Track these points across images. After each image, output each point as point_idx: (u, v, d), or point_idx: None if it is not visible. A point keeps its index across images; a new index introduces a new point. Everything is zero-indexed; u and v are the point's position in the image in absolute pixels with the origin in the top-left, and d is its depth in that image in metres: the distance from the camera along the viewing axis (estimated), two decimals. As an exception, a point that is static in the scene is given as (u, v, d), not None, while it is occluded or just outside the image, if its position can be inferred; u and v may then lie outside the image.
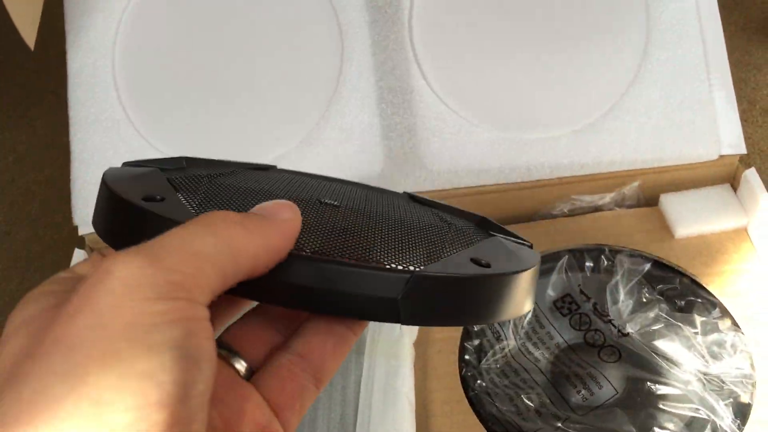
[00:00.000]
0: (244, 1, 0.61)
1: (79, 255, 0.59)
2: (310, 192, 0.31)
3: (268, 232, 0.22)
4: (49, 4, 0.63)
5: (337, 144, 0.58)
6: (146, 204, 0.24)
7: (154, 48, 0.61)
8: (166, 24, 0.61)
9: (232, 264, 0.20)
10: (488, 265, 0.26)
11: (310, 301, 0.23)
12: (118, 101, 0.60)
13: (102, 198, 0.26)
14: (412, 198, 0.37)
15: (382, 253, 0.26)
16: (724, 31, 0.59)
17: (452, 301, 0.24)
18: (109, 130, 0.59)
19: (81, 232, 0.60)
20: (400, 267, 0.25)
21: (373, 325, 0.52)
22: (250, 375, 0.25)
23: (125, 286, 0.18)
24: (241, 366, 0.24)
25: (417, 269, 0.25)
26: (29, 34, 0.54)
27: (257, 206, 0.24)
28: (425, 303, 0.24)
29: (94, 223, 0.26)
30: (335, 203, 0.30)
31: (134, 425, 0.16)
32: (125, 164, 0.30)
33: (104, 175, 0.26)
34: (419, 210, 0.34)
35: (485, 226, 0.34)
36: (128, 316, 0.17)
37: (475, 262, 0.26)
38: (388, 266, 0.25)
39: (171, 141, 0.59)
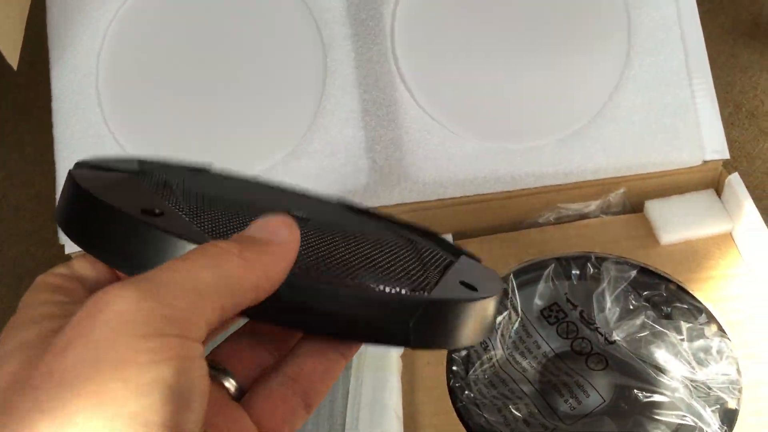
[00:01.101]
0: (227, 16, 0.61)
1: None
2: (279, 202, 0.31)
3: (268, 260, 0.21)
4: (36, 19, 0.63)
5: (323, 157, 0.58)
6: (147, 218, 0.23)
7: (138, 64, 0.61)
8: (149, 40, 0.62)
9: (231, 299, 0.20)
10: (476, 288, 0.27)
11: (311, 323, 0.23)
12: (102, 118, 0.60)
13: (84, 206, 0.24)
14: (350, 208, 0.37)
15: (385, 275, 0.26)
16: (711, 33, 0.60)
17: (456, 325, 0.25)
18: (94, 146, 0.59)
19: (68, 250, 0.60)
20: (407, 291, 0.25)
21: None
22: (240, 395, 0.24)
23: (121, 321, 0.17)
24: (230, 385, 0.24)
25: (424, 294, 0.25)
26: (12, 54, 0.55)
27: (254, 225, 0.23)
28: (434, 327, 0.24)
29: (70, 231, 0.24)
30: (304, 216, 0.29)
31: None
32: (79, 164, 0.28)
33: (76, 178, 0.25)
34: (374, 224, 0.34)
35: (430, 238, 0.34)
36: (122, 353, 0.17)
37: (465, 285, 0.27)
38: (397, 290, 0.25)
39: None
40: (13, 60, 0.54)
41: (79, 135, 0.59)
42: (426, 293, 0.25)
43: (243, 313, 0.21)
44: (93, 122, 0.60)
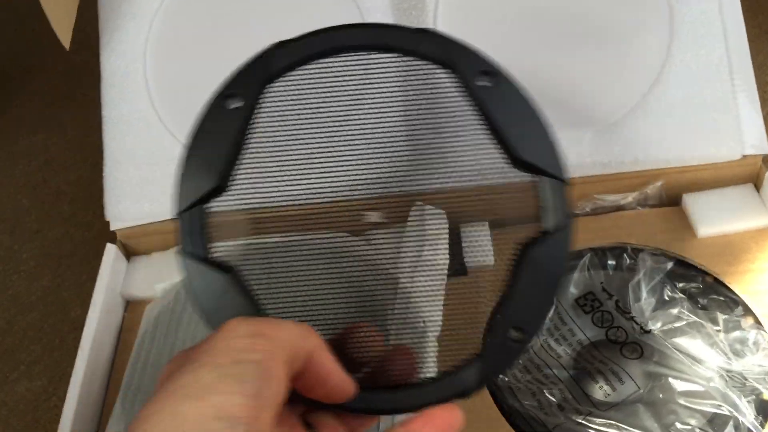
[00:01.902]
0: (270, 5, 0.63)
1: (110, 250, 0.60)
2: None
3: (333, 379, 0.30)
4: (78, 9, 0.65)
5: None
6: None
7: (184, 50, 0.63)
8: (196, 26, 0.63)
9: (301, 350, 0.29)
10: (525, 333, 0.33)
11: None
12: (149, 102, 0.61)
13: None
14: None
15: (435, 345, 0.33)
16: (748, 34, 0.59)
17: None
18: (141, 130, 0.61)
19: (113, 227, 0.61)
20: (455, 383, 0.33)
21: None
22: None
23: (229, 330, 0.27)
24: None
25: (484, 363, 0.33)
26: (65, 35, 0.56)
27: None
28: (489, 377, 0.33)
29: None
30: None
31: (223, 403, 0.25)
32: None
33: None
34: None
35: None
36: (230, 343, 0.27)
37: (516, 330, 0.33)
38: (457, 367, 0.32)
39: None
40: (65, 41, 0.56)
41: (126, 118, 0.61)
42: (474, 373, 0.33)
43: (325, 406, 0.31)
44: (140, 105, 0.61)
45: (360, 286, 0.34)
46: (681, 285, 0.54)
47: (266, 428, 0.26)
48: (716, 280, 0.54)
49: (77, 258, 0.78)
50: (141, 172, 0.60)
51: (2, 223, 0.83)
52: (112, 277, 0.59)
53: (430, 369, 0.34)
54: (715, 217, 0.58)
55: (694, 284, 0.54)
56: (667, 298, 0.53)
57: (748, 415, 0.47)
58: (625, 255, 0.56)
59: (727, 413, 0.48)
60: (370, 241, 0.34)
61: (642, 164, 0.58)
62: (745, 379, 0.49)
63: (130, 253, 0.63)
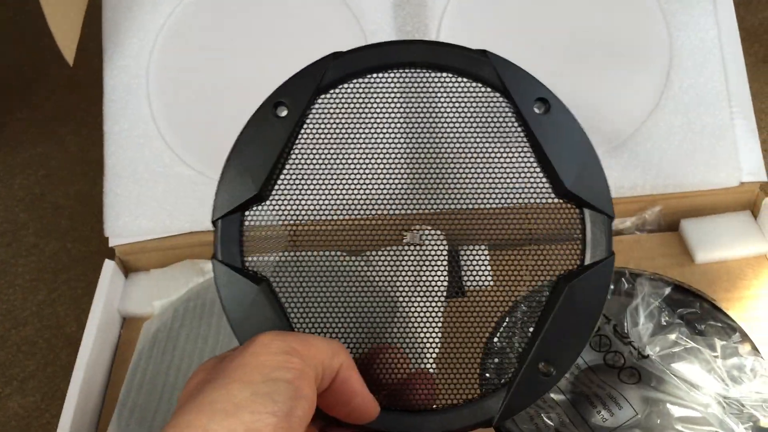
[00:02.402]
0: (275, 23, 0.63)
1: (108, 266, 0.60)
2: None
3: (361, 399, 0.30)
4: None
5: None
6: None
7: (186, 67, 0.63)
8: (198, 44, 0.63)
9: (330, 368, 0.29)
10: (554, 367, 0.32)
11: None
12: (151, 118, 0.61)
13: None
14: None
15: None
16: (746, 61, 0.60)
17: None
18: (142, 145, 0.61)
19: (111, 243, 0.61)
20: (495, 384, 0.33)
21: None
22: None
23: (261, 345, 0.27)
24: None
25: (507, 386, 0.33)
26: (69, 51, 0.56)
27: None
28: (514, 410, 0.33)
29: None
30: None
31: (254, 423, 0.25)
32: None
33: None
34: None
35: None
36: (262, 360, 0.27)
37: (546, 364, 0.32)
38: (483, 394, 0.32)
39: (201, 157, 0.61)
40: (69, 56, 0.56)
41: (127, 132, 0.61)
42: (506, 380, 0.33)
43: (351, 427, 0.31)
44: (141, 121, 0.61)
45: (389, 306, 0.34)
46: (679, 310, 0.54)
47: None
48: (714, 306, 0.54)
49: (74, 273, 0.78)
50: (141, 188, 0.60)
51: (0, 236, 0.83)
52: (110, 293, 0.59)
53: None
54: (712, 244, 0.58)
55: (691, 310, 0.54)
56: (664, 323, 0.53)
57: (745, 442, 0.47)
58: (623, 279, 0.56)
59: (724, 440, 0.48)
60: (403, 262, 0.34)
61: (641, 189, 0.59)
62: (743, 406, 0.49)
63: (128, 269, 0.63)
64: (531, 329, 0.33)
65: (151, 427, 0.49)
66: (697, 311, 0.54)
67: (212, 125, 0.61)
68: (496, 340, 0.36)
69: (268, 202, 0.33)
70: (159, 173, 0.60)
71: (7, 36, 1.09)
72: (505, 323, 0.36)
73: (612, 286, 0.56)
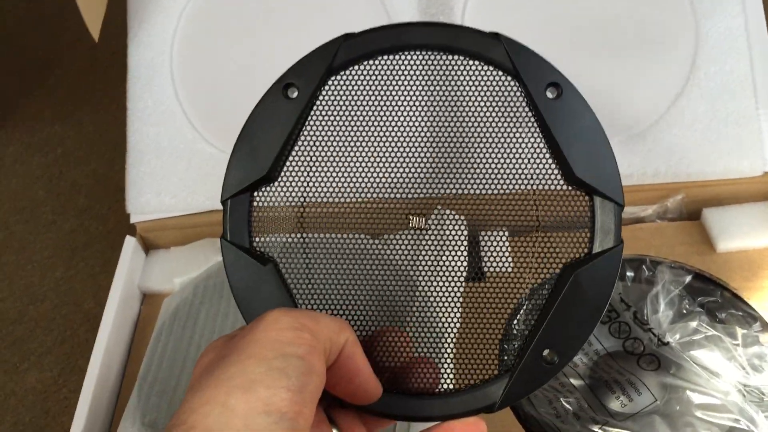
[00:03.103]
0: (299, 3, 0.63)
1: (129, 242, 0.61)
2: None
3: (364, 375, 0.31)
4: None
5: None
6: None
7: (210, 45, 0.63)
8: (222, 22, 0.63)
9: (336, 344, 0.29)
10: (558, 356, 0.32)
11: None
12: (174, 95, 0.61)
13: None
14: None
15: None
16: (769, 52, 0.60)
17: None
18: (165, 122, 0.61)
19: (133, 220, 0.61)
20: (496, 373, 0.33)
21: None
22: None
23: (272, 322, 0.27)
24: None
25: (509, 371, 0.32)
26: (95, 27, 0.56)
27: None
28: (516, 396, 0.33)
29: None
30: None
31: (270, 398, 0.25)
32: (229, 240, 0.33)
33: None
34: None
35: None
36: (273, 336, 0.27)
37: (550, 353, 0.32)
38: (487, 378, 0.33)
39: (223, 135, 0.61)
40: (95, 32, 0.56)
41: (150, 110, 0.61)
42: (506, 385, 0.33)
43: (353, 406, 0.31)
44: (164, 98, 0.61)
45: (392, 290, 0.34)
46: (699, 299, 0.54)
47: (307, 423, 0.26)
48: (735, 294, 0.54)
49: (91, 250, 0.78)
50: (163, 165, 0.60)
51: (18, 213, 0.83)
52: (131, 269, 0.60)
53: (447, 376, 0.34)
54: (734, 233, 0.58)
55: (712, 298, 0.54)
56: (685, 311, 0.53)
57: (765, 429, 0.47)
58: (643, 267, 0.56)
59: (744, 427, 0.47)
60: (409, 244, 0.34)
61: (663, 177, 0.58)
62: (763, 394, 0.49)
63: (148, 246, 0.63)
64: (536, 317, 0.33)
65: (171, 400, 0.50)
66: (718, 300, 0.54)
67: (235, 103, 0.61)
68: (514, 323, 0.36)
69: (276, 183, 0.33)
70: (181, 150, 0.60)
71: (25, 17, 1.09)
72: (523, 309, 0.36)
73: (632, 273, 0.56)
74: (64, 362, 0.70)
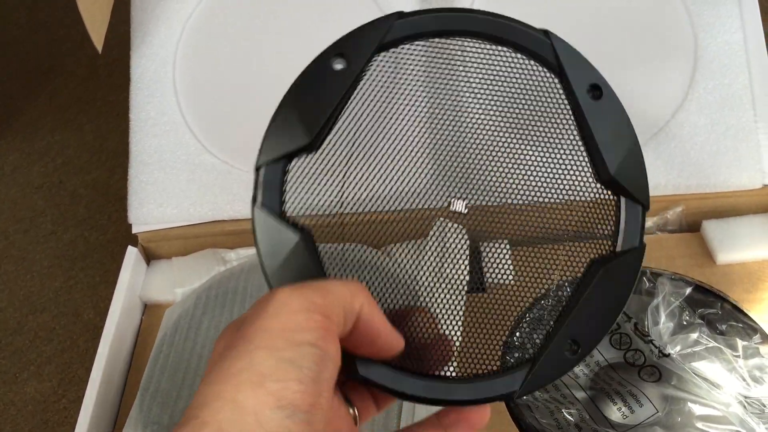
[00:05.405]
0: (301, 15, 0.63)
1: (131, 253, 0.61)
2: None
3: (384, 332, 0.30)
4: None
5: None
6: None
7: (213, 57, 0.63)
8: (225, 34, 0.64)
9: (352, 312, 0.28)
10: (580, 346, 0.33)
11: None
12: (177, 106, 0.62)
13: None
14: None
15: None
16: (768, 66, 0.60)
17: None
18: (167, 133, 0.61)
19: (135, 230, 0.62)
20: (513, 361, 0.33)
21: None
22: (355, 422, 0.32)
23: (282, 305, 0.26)
24: (354, 414, 0.32)
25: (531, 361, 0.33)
26: (98, 37, 0.57)
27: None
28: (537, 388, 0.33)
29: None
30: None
31: (281, 391, 0.24)
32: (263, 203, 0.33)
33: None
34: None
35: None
36: (283, 322, 0.26)
37: (573, 343, 0.33)
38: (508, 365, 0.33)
39: (226, 146, 0.61)
40: (98, 43, 0.57)
41: (153, 120, 0.61)
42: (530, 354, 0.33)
43: (367, 383, 0.31)
44: (167, 109, 0.62)
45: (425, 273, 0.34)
46: (699, 310, 0.54)
47: (323, 412, 0.25)
48: (735, 306, 0.55)
49: (91, 261, 0.78)
50: (166, 176, 0.60)
51: (18, 223, 0.83)
52: (132, 279, 0.60)
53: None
54: (734, 245, 0.58)
55: (712, 310, 0.55)
56: (685, 323, 0.54)
57: (766, 441, 0.48)
58: (644, 278, 0.56)
59: (745, 439, 0.48)
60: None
61: (663, 189, 0.59)
62: (764, 406, 0.49)
63: (150, 256, 0.63)
64: (561, 308, 0.34)
65: (173, 411, 0.50)
66: (718, 312, 0.54)
67: (238, 115, 0.61)
68: (517, 335, 0.36)
69: (317, 154, 0.33)
70: (184, 161, 0.60)
71: (26, 24, 1.09)
72: (527, 317, 0.37)
73: (633, 285, 0.56)
74: (63, 372, 0.69)
